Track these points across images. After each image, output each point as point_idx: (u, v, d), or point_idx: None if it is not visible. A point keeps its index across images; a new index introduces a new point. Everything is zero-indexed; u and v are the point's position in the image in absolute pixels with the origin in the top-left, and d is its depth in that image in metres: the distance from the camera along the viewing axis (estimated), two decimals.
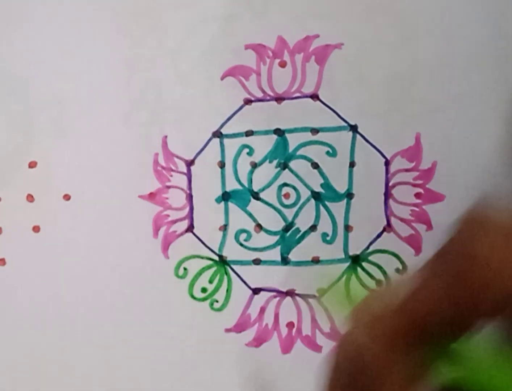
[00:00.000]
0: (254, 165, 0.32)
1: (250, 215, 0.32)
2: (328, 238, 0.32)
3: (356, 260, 0.32)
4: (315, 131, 0.31)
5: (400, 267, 0.31)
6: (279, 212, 0.32)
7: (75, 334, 0.32)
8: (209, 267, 0.32)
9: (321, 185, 0.32)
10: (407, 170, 0.32)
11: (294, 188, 0.32)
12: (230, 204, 0.32)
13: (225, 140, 0.31)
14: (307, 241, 0.32)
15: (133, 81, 0.31)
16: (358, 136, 0.31)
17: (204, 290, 0.32)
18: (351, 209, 0.32)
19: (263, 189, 0.32)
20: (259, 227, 0.32)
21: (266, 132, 0.31)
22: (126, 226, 0.31)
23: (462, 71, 0.31)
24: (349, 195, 0.32)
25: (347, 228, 0.32)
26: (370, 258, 0.32)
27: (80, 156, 0.31)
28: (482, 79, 0.30)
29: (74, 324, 0.32)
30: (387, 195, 0.32)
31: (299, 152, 0.32)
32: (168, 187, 0.32)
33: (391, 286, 0.20)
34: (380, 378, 0.16)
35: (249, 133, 0.31)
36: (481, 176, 0.29)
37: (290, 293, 0.32)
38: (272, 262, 0.32)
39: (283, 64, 0.31)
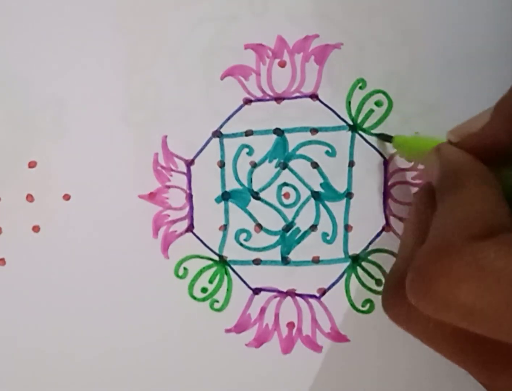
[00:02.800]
0: (254, 165, 0.32)
1: (250, 215, 0.32)
2: (328, 238, 0.32)
3: (356, 260, 0.32)
4: (314, 130, 0.31)
5: None
6: (279, 211, 0.32)
7: (75, 334, 0.32)
8: (209, 267, 0.32)
9: (321, 185, 0.32)
10: (406, 170, 0.32)
11: (294, 187, 0.32)
12: (230, 204, 0.32)
13: (225, 140, 0.31)
14: (307, 240, 0.32)
15: (133, 81, 0.31)
16: (357, 135, 0.31)
17: (204, 290, 0.32)
18: (350, 209, 0.32)
19: (263, 189, 0.32)
20: (259, 227, 0.32)
21: (266, 132, 0.31)
22: (126, 226, 0.31)
23: (461, 71, 0.31)
24: (348, 194, 0.32)
25: (347, 228, 0.32)
26: (370, 257, 0.32)
27: (80, 156, 0.31)
28: (481, 79, 0.31)
29: (74, 324, 0.32)
30: (386, 194, 0.32)
31: (298, 152, 0.32)
32: (168, 187, 0.32)
33: (471, 118, 0.23)
34: (465, 177, 0.21)
35: (248, 133, 0.31)
36: None
37: (291, 293, 0.32)
38: (272, 262, 0.32)
39: (282, 64, 0.31)
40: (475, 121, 0.23)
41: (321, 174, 0.32)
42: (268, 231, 0.32)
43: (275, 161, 0.32)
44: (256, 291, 0.32)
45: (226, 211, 0.32)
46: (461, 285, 0.17)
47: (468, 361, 0.20)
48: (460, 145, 0.23)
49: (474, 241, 0.18)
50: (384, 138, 0.31)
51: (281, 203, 0.32)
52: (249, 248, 0.32)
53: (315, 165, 0.32)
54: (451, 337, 0.20)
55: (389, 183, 0.32)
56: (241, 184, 0.32)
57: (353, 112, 0.31)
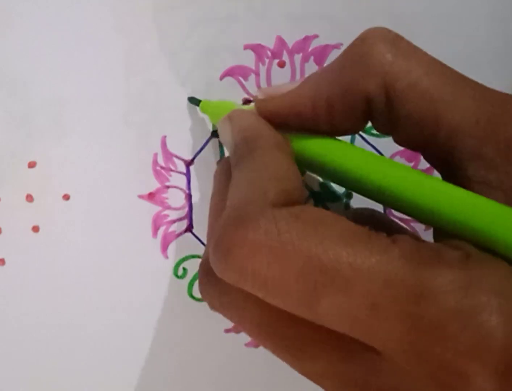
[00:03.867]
0: None
1: None
2: None
3: None
4: None
5: None
6: None
7: (74, 334, 0.32)
8: None
9: (320, 185, 0.32)
10: None
11: None
12: None
13: None
14: None
15: (133, 81, 0.31)
16: (356, 135, 0.31)
17: None
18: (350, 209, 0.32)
19: None
20: None
21: None
22: (125, 226, 0.31)
23: (461, 71, 0.31)
24: (348, 195, 0.32)
25: None
26: None
27: (80, 156, 0.31)
28: (481, 79, 0.30)
29: (73, 324, 0.32)
30: None
31: None
32: (167, 187, 0.32)
33: (286, 83, 0.24)
34: (257, 142, 0.21)
35: None
36: None
37: None
38: None
39: (282, 64, 0.31)
40: (286, 85, 0.23)
41: None
42: None
43: None
44: None
45: None
46: (255, 254, 0.17)
47: (278, 346, 0.19)
48: (262, 105, 0.23)
49: (270, 209, 0.18)
50: (194, 102, 0.30)
51: None
52: None
53: None
54: (261, 316, 0.19)
55: None
56: None
57: None
